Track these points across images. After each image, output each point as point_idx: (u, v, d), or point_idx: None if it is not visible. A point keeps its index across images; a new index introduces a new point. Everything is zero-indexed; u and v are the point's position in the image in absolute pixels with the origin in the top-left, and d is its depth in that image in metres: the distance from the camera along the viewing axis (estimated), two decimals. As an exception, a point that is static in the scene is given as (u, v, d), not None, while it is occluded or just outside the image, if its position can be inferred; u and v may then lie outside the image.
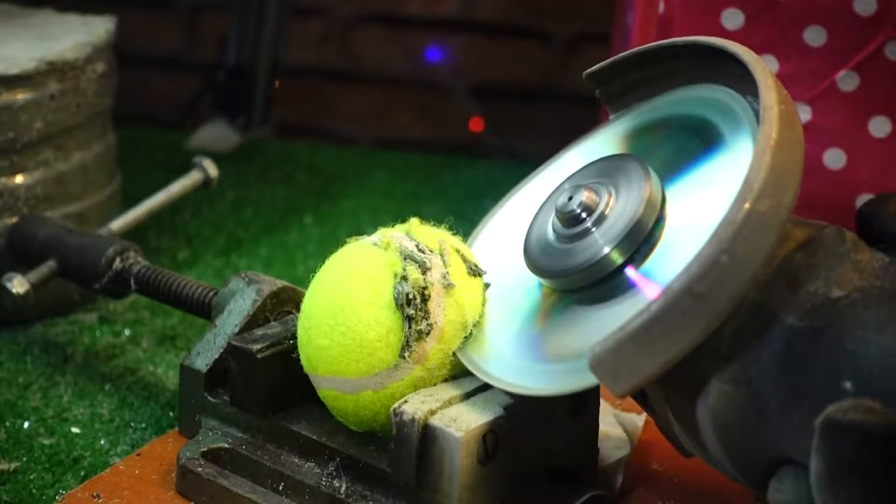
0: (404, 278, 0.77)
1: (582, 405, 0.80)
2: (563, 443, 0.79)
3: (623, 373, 0.67)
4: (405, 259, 0.78)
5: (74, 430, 0.93)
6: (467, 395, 0.77)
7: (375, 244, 0.80)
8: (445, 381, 0.78)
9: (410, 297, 0.77)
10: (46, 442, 0.92)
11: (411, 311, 0.77)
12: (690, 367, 0.69)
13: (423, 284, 0.77)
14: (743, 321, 0.69)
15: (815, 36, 1.01)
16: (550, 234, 0.78)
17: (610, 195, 0.76)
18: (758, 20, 1.01)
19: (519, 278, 0.80)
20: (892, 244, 0.72)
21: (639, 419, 0.89)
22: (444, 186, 1.46)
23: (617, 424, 0.87)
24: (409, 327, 0.77)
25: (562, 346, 0.75)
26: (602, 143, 0.84)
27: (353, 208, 1.39)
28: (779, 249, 0.69)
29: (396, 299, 0.77)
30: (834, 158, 1.02)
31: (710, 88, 0.78)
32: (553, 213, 0.78)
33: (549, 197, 0.81)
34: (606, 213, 0.75)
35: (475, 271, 0.80)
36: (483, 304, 0.79)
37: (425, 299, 0.77)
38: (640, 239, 0.74)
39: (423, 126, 1.73)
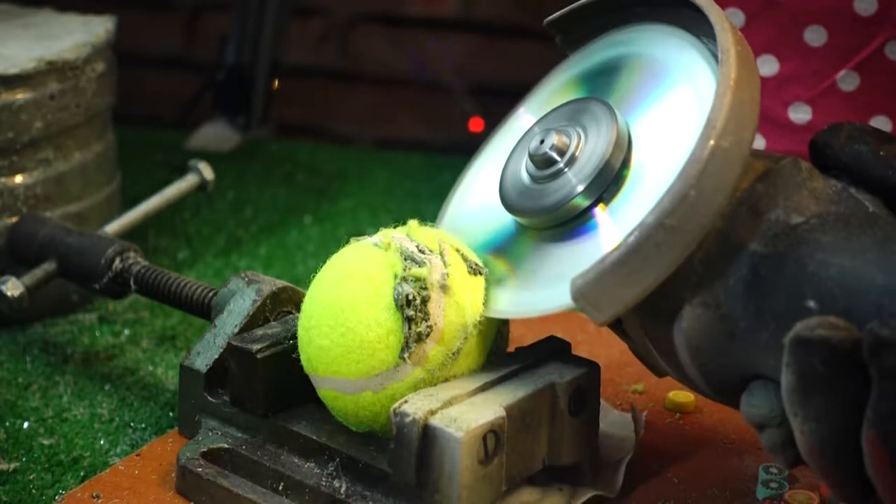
0: (404, 279, 0.77)
1: (582, 405, 0.80)
2: (563, 443, 0.79)
3: (604, 302, 0.72)
4: (406, 260, 0.78)
5: (74, 430, 0.93)
6: (468, 396, 0.77)
7: (376, 245, 0.80)
8: (445, 381, 0.78)
9: (410, 298, 0.77)
10: (46, 442, 0.91)
11: (411, 313, 0.77)
12: (664, 295, 0.73)
13: (424, 286, 0.77)
14: (710, 249, 0.73)
15: (815, 36, 1.01)
16: (525, 177, 0.82)
17: (579, 137, 0.80)
18: (758, 20, 1.01)
19: (495, 221, 0.84)
20: (844, 171, 0.76)
21: (642, 417, 0.88)
22: (444, 186, 1.45)
23: (618, 424, 0.87)
24: (409, 329, 0.77)
25: (542, 276, 0.78)
26: (559, 88, 0.87)
27: (353, 208, 1.38)
28: (741, 181, 0.73)
29: (396, 300, 0.77)
30: (834, 158, 1.02)
31: (661, 29, 0.82)
32: (526, 157, 0.82)
33: (520, 142, 0.84)
34: (577, 154, 0.79)
35: (476, 270, 0.80)
36: (484, 304, 0.79)
37: (425, 300, 0.77)
38: (610, 178, 0.78)
39: (423, 126, 1.73)
